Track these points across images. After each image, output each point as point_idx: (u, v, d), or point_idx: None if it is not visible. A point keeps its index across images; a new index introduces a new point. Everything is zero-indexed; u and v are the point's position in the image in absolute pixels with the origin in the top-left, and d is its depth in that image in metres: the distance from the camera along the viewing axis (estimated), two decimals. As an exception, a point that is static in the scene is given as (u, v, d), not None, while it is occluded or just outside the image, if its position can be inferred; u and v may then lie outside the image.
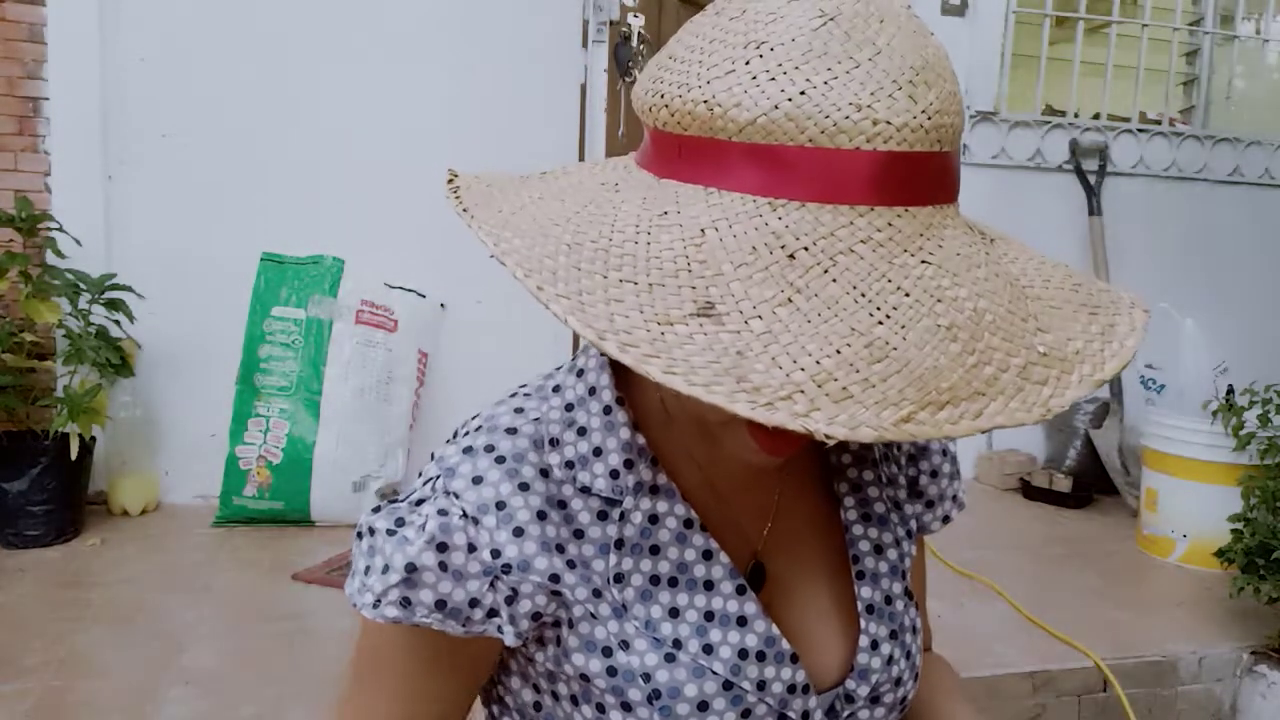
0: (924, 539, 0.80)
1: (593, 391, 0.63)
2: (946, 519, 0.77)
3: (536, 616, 0.60)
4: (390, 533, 0.59)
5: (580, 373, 0.65)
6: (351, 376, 2.70)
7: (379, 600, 0.58)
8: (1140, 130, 3.57)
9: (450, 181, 0.59)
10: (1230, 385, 2.76)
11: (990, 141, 3.39)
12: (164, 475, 2.79)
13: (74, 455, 2.41)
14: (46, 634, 1.96)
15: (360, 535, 0.61)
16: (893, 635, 0.67)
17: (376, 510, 0.61)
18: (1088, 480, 3.31)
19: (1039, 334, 0.49)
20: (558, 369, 0.67)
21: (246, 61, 2.76)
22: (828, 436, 0.41)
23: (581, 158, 3.01)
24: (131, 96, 2.69)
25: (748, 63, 0.49)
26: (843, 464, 0.70)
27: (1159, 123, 3.68)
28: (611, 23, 3.00)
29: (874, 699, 0.66)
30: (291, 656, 1.92)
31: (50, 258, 2.52)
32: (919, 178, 0.49)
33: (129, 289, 2.53)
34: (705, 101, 0.49)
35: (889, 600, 0.68)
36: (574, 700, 0.62)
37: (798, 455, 0.65)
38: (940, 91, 0.49)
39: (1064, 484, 3.26)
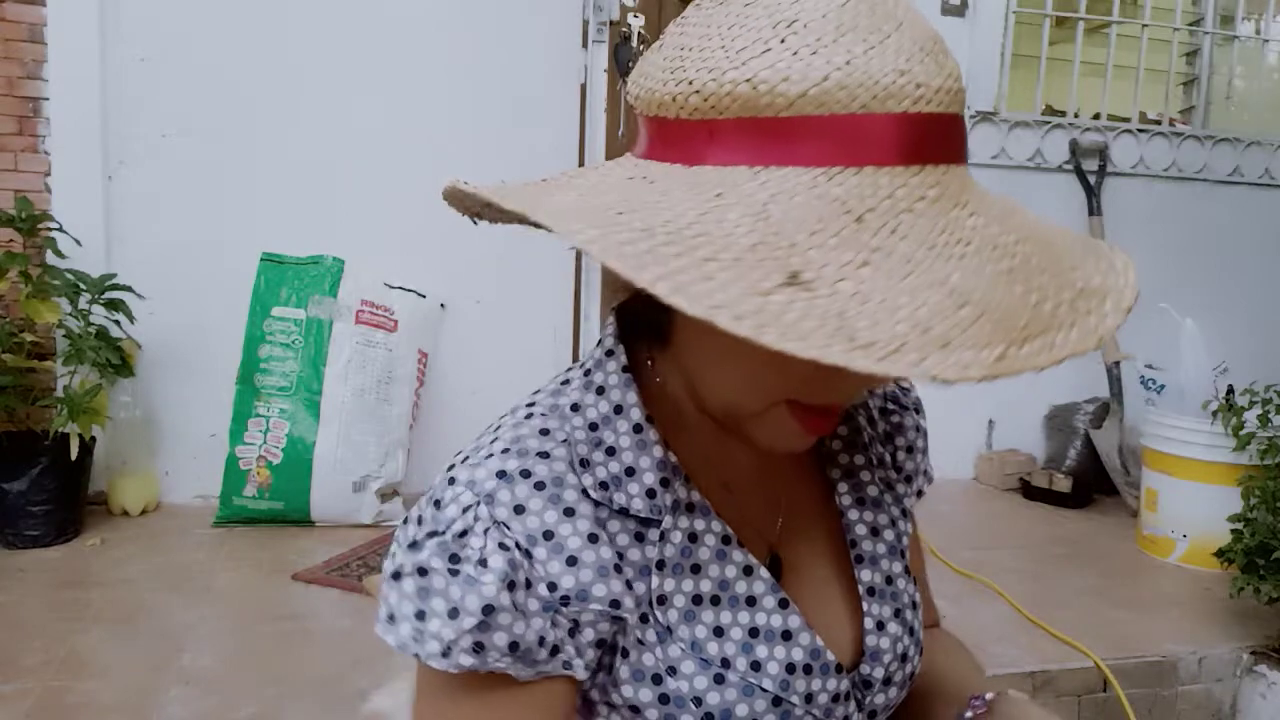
0: (931, 548, 0.81)
1: (619, 410, 0.62)
2: (920, 493, 0.78)
3: (600, 644, 0.58)
4: (453, 572, 0.54)
5: (600, 390, 0.62)
6: (351, 376, 2.70)
7: (449, 649, 0.53)
8: (1140, 130, 3.57)
9: (453, 191, 0.58)
10: (1230, 385, 2.75)
11: (990, 141, 3.39)
12: (164, 475, 2.79)
13: (74, 455, 2.41)
14: (46, 634, 1.96)
15: (399, 576, 0.55)
16: (896, 614, 0.68)
17: (414, 546, 0.56)
18: (1088, 480, 3.31)
19: (1073, 270, 0.52)
20: (564, 384, 0.64)
21: (246, 61, 2.76)
22: (937, 380, 0.43)
23: (581, 158, 3.01)
24: (131, 96, 2.69)
25: (782, 40, 0.49)
26: (833, 450, 0.71)
27: (1159, 123, 3.68)
28: (611, 23, 3.00)
29: (886, 680, 0.67)
30: (291, 656, 1.92)
31: (50, 258, 2.52)
32: (953, 138, 0.51)
33: (129, 289, 2.53)
34: (747, 80, 0.49)
35: (889, 580, 0.69)
36: None
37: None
38: (953, 59, 0.53)
39: (1064, 484, 3.26)
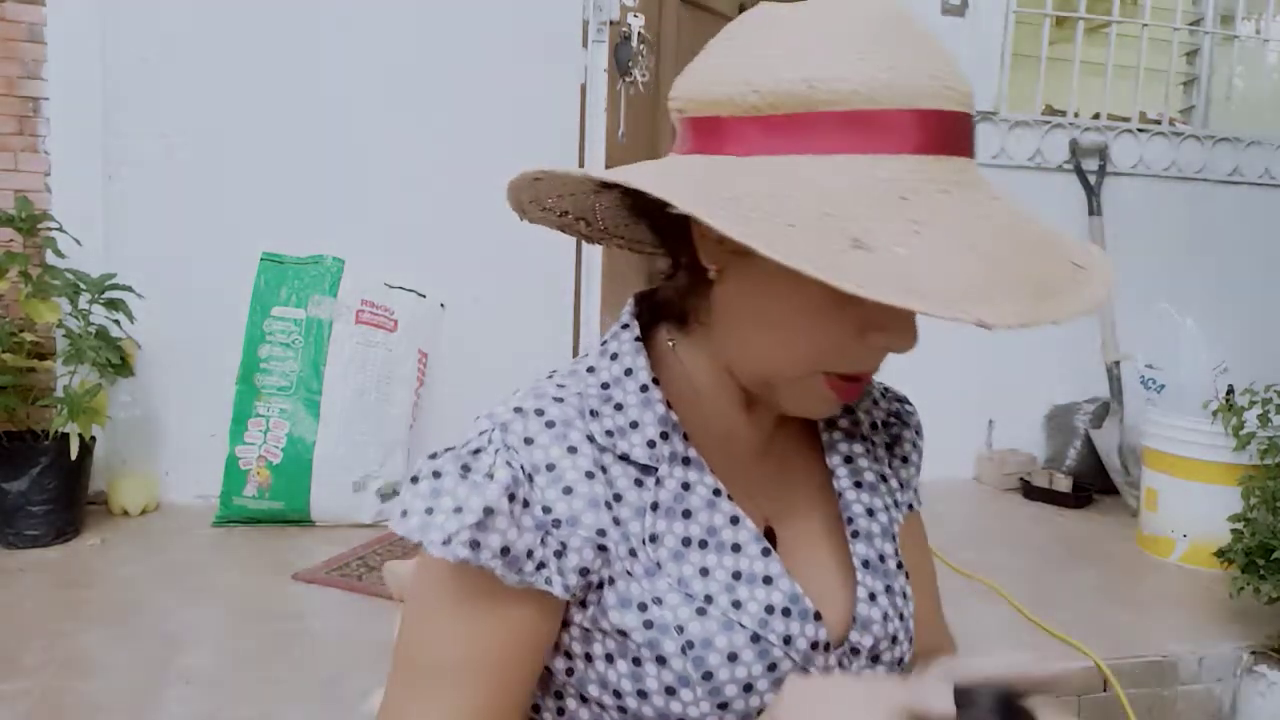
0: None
1: (629, 372, 0.69)
2: (910, 507, 0.83)
3: (584, 572, 0.63)
4: (463, 476, 0.61)
5: (614, 356, 0.70)
6: (351, 376, 2.70)
7: (449, 539, 0.60)
8: (1140, 130, 3.57)
9: (521, 180, 0.66)
10: (1230, 385, 2.76)
11: (990, 141, 3.39)
12: (164, 475, 2.79)
13: (74, 455, 2.41)
14: (46, 634, 1.96)
15: (417, 479, 0.62)
16: (887, 590, 0.73)
17: (433, 456, 0.63)
18: (1088, 480, 3.31)
19: (1064, 248, 0.60)
20: (585, 355, 0.72)
21: (246, 61, 2.76)
22: (984, 325, 0.50)
23: (581, 158, 3.01)
24: (131, 96, 2.69)
25: (831, 49, 0.58)
26: (834, 440, 0.78)
27: (1159, 123, 3.68)
28: (611, 23, 3.00)
29: (874, 657, 0.71)
30: (291, 656, 1.92)
31: (50, 258, 2.52)
32: (970, 135, 0.61)
33: (129, 289, 2.53)
34: (804, 79, 0.57)
35: (882, 559, 0.74)
36: (609, 658, 0.65)
37: (797, 430, 0.76)
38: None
39: (1064, 484, 3.26)
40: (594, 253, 3.09)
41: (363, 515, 2.68)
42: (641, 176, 0.59)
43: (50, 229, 2.54)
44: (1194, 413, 2.69)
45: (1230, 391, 2.71)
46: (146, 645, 1.93)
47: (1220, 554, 2.24)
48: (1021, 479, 3.36)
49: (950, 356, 3.46)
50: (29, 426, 2.52)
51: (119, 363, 2.48)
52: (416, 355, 2.84)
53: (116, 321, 2.54)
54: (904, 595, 0.74)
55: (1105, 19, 3.63)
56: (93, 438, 2.52)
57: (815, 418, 0.69)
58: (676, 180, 0.59)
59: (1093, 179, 3.46)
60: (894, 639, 0.72)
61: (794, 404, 0.67)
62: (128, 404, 2.69)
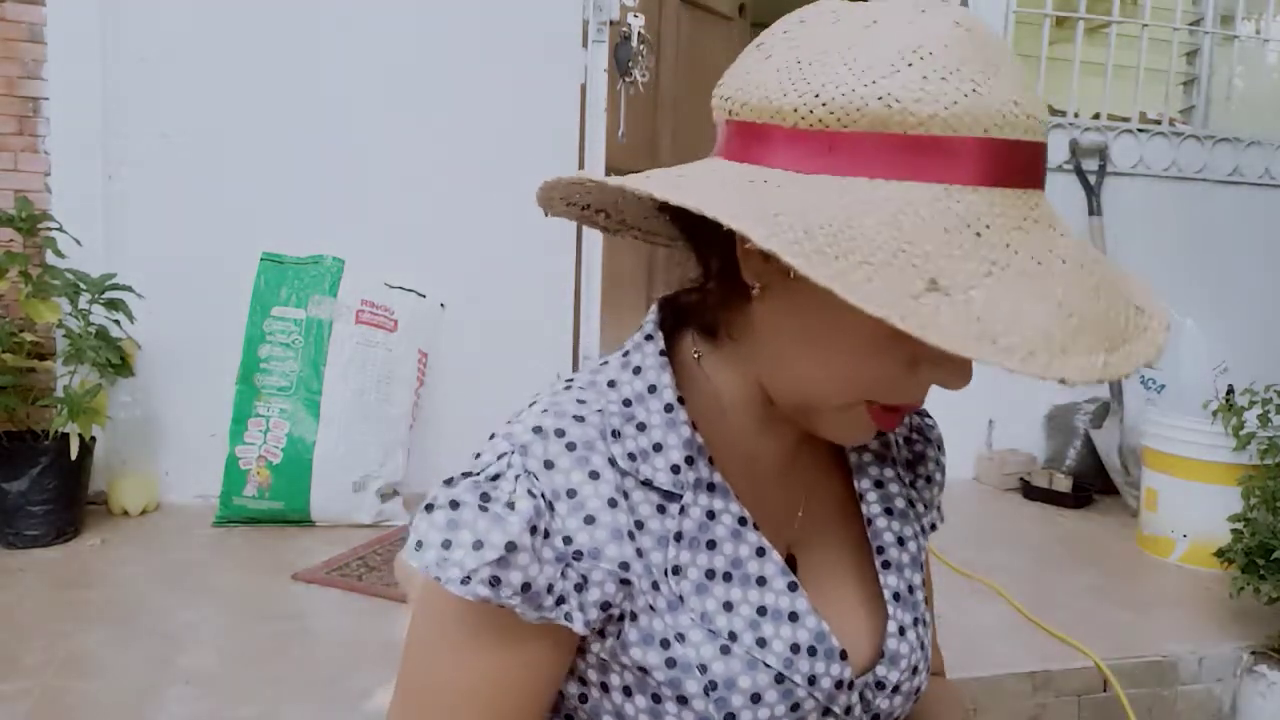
0: (930, 548, 0.83)
1: (652, 389, 0.65)
2: (933, 527, 0.81)
3: (605, 606, 0.60)
4: (483, 509, 0.58)
5: (637, 370, 0.66)
6: (351, 376, 2.70)
7: (469, 577, 0.57)
8: (1140, 130, 3.57)
9: (554, 183, 0.62)
10: (1230, 385, 2.76)
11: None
12: (164, 475, 2.79)
13: (74, 455, 2.41)
14: (46, 634, 1.96)
15: (431, 508, 0.59)
16: (915, 622, 0.71)
17: (450, 483, 0.59)
18: (1088, 480, 3.31)
19: (1127, 289, 0.57)
20: (604, 364, 0.68)
21: (246, 61, 2.76)
22: (1064, 382, 0.48)
23: (581, 158, 3.01)
24: (131, 96, 2.69)
25: (910, 65, 0.53)
26: (864, 462, 0.74)
27: (1159, 123, 3.68)
28: (611, 23, 3.01)
29: (894, 688, 0.69)
30: (291, 656, 1.92)
31: (50, 258, 2.52)
32: (1042, 166, 0.57)
33: (129, 289, 2.53)
34: (879, 98, 0.53)
35: (911, 590, 0.72)
36: (626, 691, 0.63)
37: (822, 450, 0.73)
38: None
39: (1064, 484, 3.26)
40: (594, 253, 3.09)
41: (363, 515, 2.68)
42: (705, 196, 0.54)
43: (50, 229, 2.54)
44: (1194, 413, 2.69)
45: (1230, 391, 2.71)
46: (146, 645, 1.93)
47: (1220, 554, 2.24)
48: (1021, 479, 3.36)
49: (950, 356, 3.47)
50: (29, 426, 2.52)
51: (119, 363, 2.48)
52: (416, 355, 2.84)
53: (116, 321, 2.53)
54: (924, 624, 0.72)
55: (1105, 19, 3.63)
56: (93, 438, 2.52)
57: (849, 444, 0.66)
58: (737, 197, 0.54)
59: (1093, 179, 3.46)
60: (915, 669, 0.70)
61: (830, 429, 0.64)
62: (128, 404, 2.69)
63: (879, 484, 0.74)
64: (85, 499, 2.58)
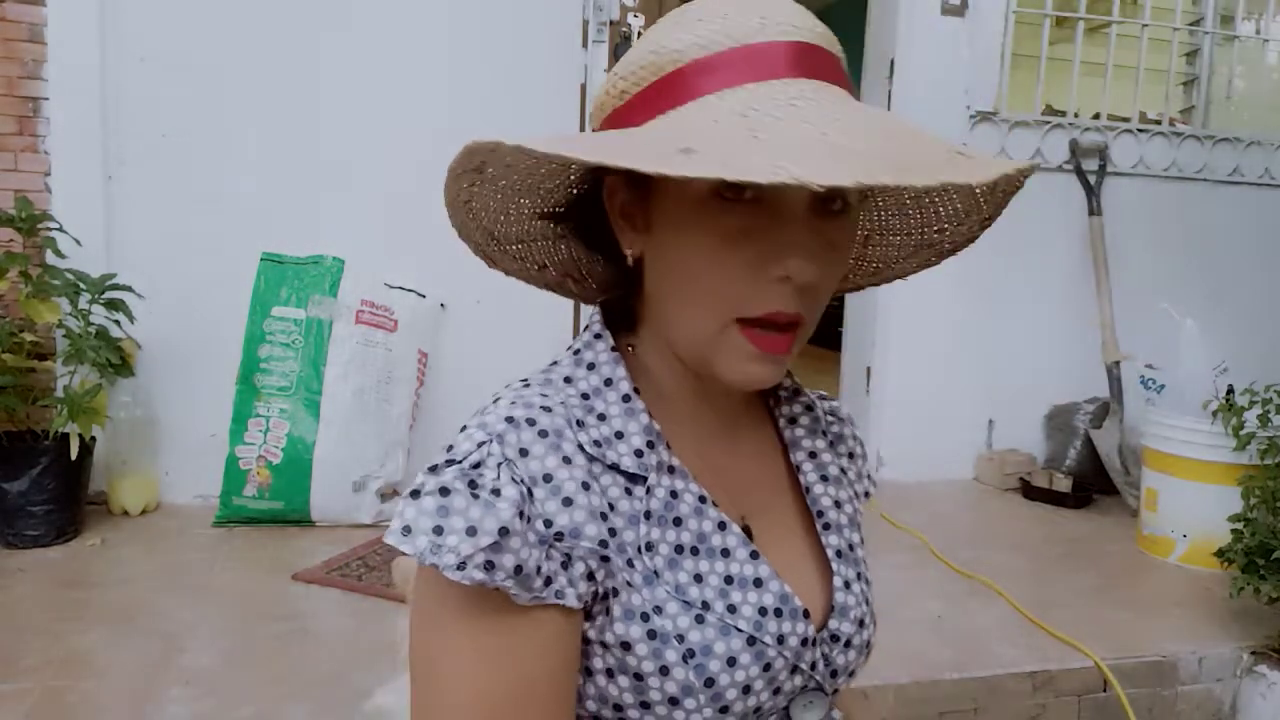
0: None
1: (609, 383, 0.70)
2: (866, 494, 0.87)
3: (590, 577, 0.63)
4: (473, 495, 0.59)
5: (591, 366, 0.71)
6: (351, 376, 2.70)
7: (464, 563, 0.58)
8: (1140, 130, 3.57)
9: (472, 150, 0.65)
10: (1230, 385, 2.75)
11: (990, 141, 3.39)
12: (164, 475, 2.79)
13: (74, 455, 2.41)
14: (46, 634, 1.96)
15: (418, 494, 0.60)
16: (858, 576, 0.76)
17: (434, 470, 0.61)
18: (1088, 480, 3.31)
19: (951, 144, 0.60)
20: (554, 364, 0.73)
21: (246, 61, 2.76)
22: (822, 188, 0.50)
23: (581, 158, 3.00)
24: (131, 96, 2.69)
25: (676, 24, 0.65)
26: (797, 438, 0.80)
27: (1159, 123, 3.68)
28: (611, 23, 3.01)
29: (847, 642, 0.73)
30: (291, 656, 1.92)
31: (50, 258, 2.52)
32: (824, 62, 0.63)
33: (129, 289, 2.53)
34: (652, 52, 0.64)
35: (851, 548, 0.77)
36: (609, 673, 0.65)
37: (763, 430, 0.79)
38: (812, 16, 0.65)
39: (1064, 484, 3.26)
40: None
41: (363, 515, 2.68)
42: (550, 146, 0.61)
43: (50, 229, 2.54)
44: (1194, 413, 2.69)
45: (1230, 391, 2.70)
46: (146, 645, 1.93)
47: (1220, 554, 2.24)
48: (1021, 479, 3.36)
49: (951, 357, 3.47)
50: (29, 426, 2.52)
51: (119, 363, 2.48)
52: (416, 355, 2.84)
53: (116, 321, 2.54)
54: (867, 581, 0.77)
55: (1105, 19, 3.63)
56: (93, 438, 2.52)
57: (756, 384, 0.67)
58: (567, 145, 0.61)
59: (1093, 179, 3.46)
60: (862, 623, 0.74)
61: (728, 368, 0.66)
62: (128, 404, 2.69)
63: (812, 454, 0.80)
64: (85, 499, 2.58)
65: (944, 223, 0.75)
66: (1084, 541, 2.90)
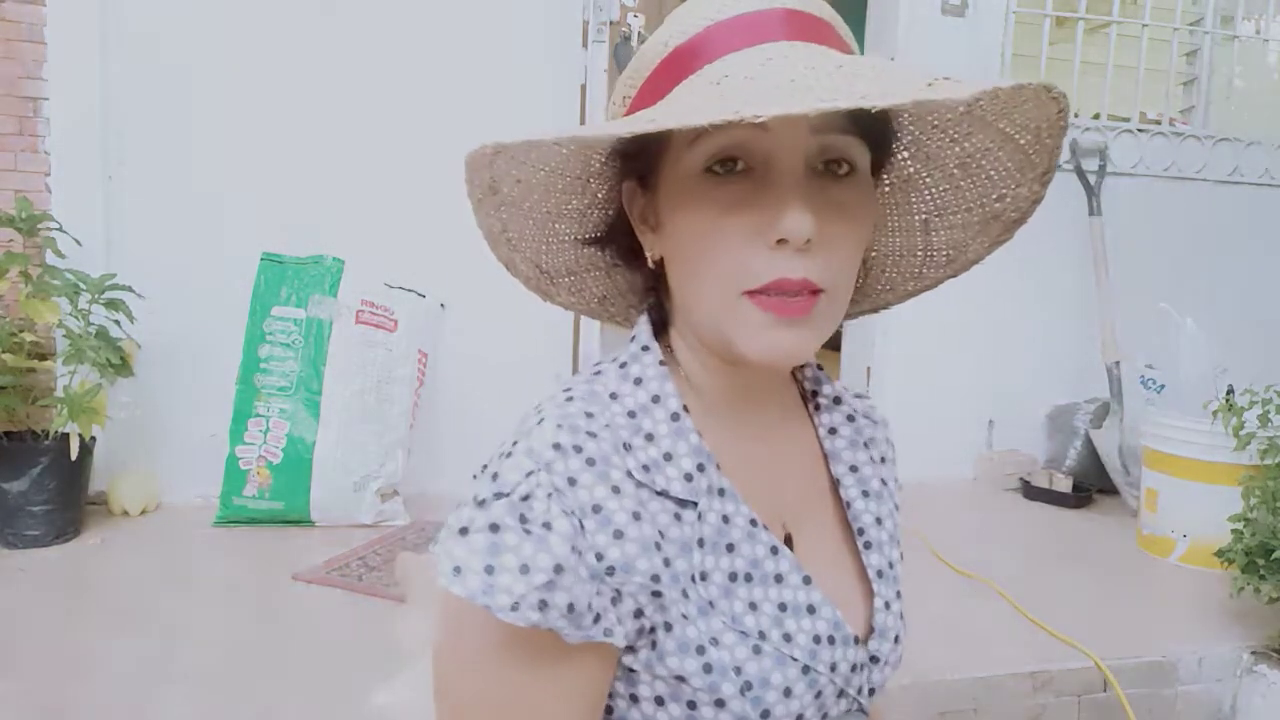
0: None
1: (656, 400, 0.67)
2: (895, 506, 0.83)
3: (638, 614, 0.60)
4: (525, 531, 0.57)
5: (638, 381, 0.68)
6: (351, 376, 2.69)
7: (518, 604, 0.56)
8: (1140, 130, 3.57)
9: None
10: (1230, 385, 2.75)
11: (990, 141, 3.38)
12: (164, 475, 2.79)
13: (74, 455, 2.41)
14: (46, 634, 1.96)
15: (467, 531, 0.58)
16: (897, 596, 0.75)
17: (482, 504, 0.58)
18: (1088, 480, 3.31)
19: (927, 75, 0.59)
20: (597, 374, 0.69)
21: (246, 61, 2.76)
22: (810, 115, 0.54)
23: (581, 158, 3.00)
24: (131, 96, 2.69)
25: (666, 22, 0.67)
26: (838, 449, 0.78)
27: (1159, 123, 3.68)
28: (611, 23, 3.01)
29: (884, 661, 0.72)
30: (291, 656, 1.92)
31: (50, 258, 2.52)
32: (811, 25, 0.63)
33: (129, 289, 2.53)
34: (643, 53, 0.67)
35: (890, 566, 0.75)
36: (659, 701, 0.63)
37: (804, 445, 0.76)
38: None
39: (1064, 484, 3.26)
40: (594, 253, 3.09)
41: (363, 515, 2.67)
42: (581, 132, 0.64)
43: (50, 229, 2.54)
44: (1194, 413, 2.69)
45: (1230, 391, 2.70)
46: (146, 645, 1.93)
47: (1220, 554, 2.24)
48: (1021, 479, 3.36)
49: (951, 357, 3.47)
50: (29, 426, 2.52)
51: (119, 363, 2.48)
52: (416, 355, 2.84)
53: (116, 321, 2.53)
54: (900, 598, 0.76)
55: (1105, 19, 3.63)
56: (93, 438, 2.52)
57: (781, 356, 0.63)
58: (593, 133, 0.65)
59: (1093, 179, 3.46)
60: (896, 639, 0.73)
61: (747, 342, 0.63)
62: (128, 404, 2.69)
63: (853, 468, 0.77)
64: (85, 499, 2.58)
65: (1000, 187, 0.71)
66: (1084, 541, 2.90)
